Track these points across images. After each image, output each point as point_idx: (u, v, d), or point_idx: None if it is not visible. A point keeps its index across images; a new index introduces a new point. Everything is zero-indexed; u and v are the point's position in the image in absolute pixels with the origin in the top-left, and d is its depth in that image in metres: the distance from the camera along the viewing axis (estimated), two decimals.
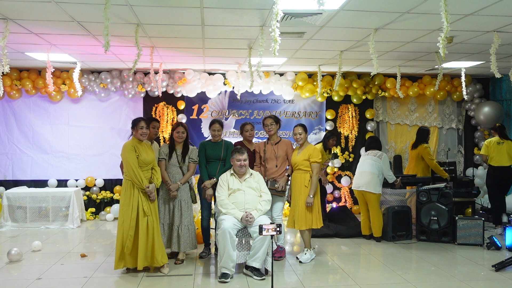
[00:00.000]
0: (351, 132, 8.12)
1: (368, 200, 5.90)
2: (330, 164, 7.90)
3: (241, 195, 4.56)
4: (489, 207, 7.32)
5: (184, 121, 7.68)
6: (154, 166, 4.63)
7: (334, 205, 7.77)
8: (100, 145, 7.73)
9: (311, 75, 7.84)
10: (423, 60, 6.58)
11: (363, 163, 5.98)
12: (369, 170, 5.87)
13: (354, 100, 8.05)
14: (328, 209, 7.43)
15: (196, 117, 7.92)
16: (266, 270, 4.42)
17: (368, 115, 8.23)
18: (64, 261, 4.99)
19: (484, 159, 6.86)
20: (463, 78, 6.74)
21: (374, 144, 6.23)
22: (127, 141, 4.53)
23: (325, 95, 7.92)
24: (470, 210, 7.23)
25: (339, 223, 6.28)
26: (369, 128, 8.22)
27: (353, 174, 6.78)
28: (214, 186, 4.91)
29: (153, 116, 7.56)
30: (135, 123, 4.52)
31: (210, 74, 7.68)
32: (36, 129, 7.61)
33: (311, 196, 4.82)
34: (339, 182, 8.15)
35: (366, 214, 6.03)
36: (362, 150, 7.91)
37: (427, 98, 8.36)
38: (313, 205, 4.86)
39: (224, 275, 4.26)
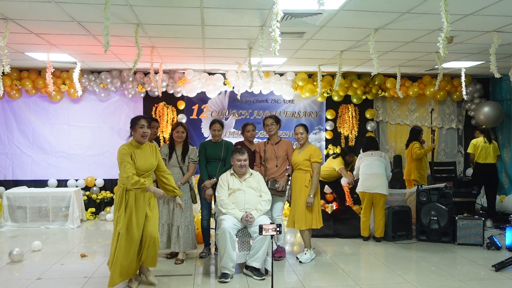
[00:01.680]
0: (351, 132, 8.11)
1: (378, 201, 5.88)
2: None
3: (241, 195, 4.56)
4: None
5: (184, 121, 7.68)
6: (163, 172, 4.11)
7: (334, 205, 7.76)
8: (100, 145, 7.73)
9: (311, 75, 7.84)
10: (423, 60, 6.58)
11: (372, 165, 5.91)
12: (380, 172, 5.86)
13: (354, 100, 8.05)
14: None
15: (196, 117, 7.92)
16: (266, 270, 4.42)
17: (368, 115, 8.22)
18: (64, 261, 4.99)
19: (472, 158, 7.21)
20: (463, 78, 6.74)
21: (374, 144, 6.24)
22: (124, 144, 3.96)
23: (325, 95, 7.92)
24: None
25: (343, 223, 6.25)
26: (369, 128, 8.21)
27: (353, 174, 6.78)
28: (214, 186, 4.92)
29: (153, 116, 7.56)
30: (135, 121, 3.94)
31: (210, 74, 7.68)
32: (36, 129, 7.61)
33: (311, 196, 4.82)
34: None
35: (369, 215, 6.02)
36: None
37: (427, 98, 8.36)
38: (313, 205, 4.87)
39: (224, 275, 4.26)
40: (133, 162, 3.84)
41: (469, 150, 7.26)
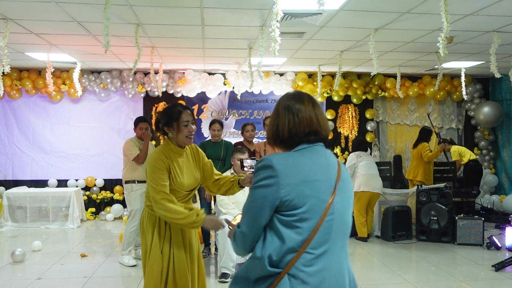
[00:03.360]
0: (351, 132, 8.11)
1: (374, 201, 6.03)
2: None
3: (241, 195, 4.54)
4: (489, 206, 7.34)
5: None
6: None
7: None
8: (100, 145, 7.73)
9: (311, 75, 7.84)
10: (423, 60, 6.57)
11: (370, 166, 5.99)
12: (378, 172, 6.02)
13: (354, 100, 8.05)
14: None
15: (196, 117, 7.91)
16: None
17: (368, 115, 8.22)
18: (64, 261, 4.99)
19: (459, 164, 7.38)
20: (463, 78, 6.73)
21: (365, 145, 6.45)
22: (157, 151, 2.58)
23: (325, 95, 7.92)
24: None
25: None
26: (369, 128, 8.21)
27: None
28: None
29: (153, 116, 7.59)
30: (175, 116, 2.55)
31: (210, 74, 7.68)
32: (36, 129, 7.61)
33: None
34: None
35: (365, 216, 6.02)
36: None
37: (427, 98, 8.36)
38: None
39: (224, 275, 4.26)
40: (171, 180, 2.54)
41: (455, 158, 7.32)
